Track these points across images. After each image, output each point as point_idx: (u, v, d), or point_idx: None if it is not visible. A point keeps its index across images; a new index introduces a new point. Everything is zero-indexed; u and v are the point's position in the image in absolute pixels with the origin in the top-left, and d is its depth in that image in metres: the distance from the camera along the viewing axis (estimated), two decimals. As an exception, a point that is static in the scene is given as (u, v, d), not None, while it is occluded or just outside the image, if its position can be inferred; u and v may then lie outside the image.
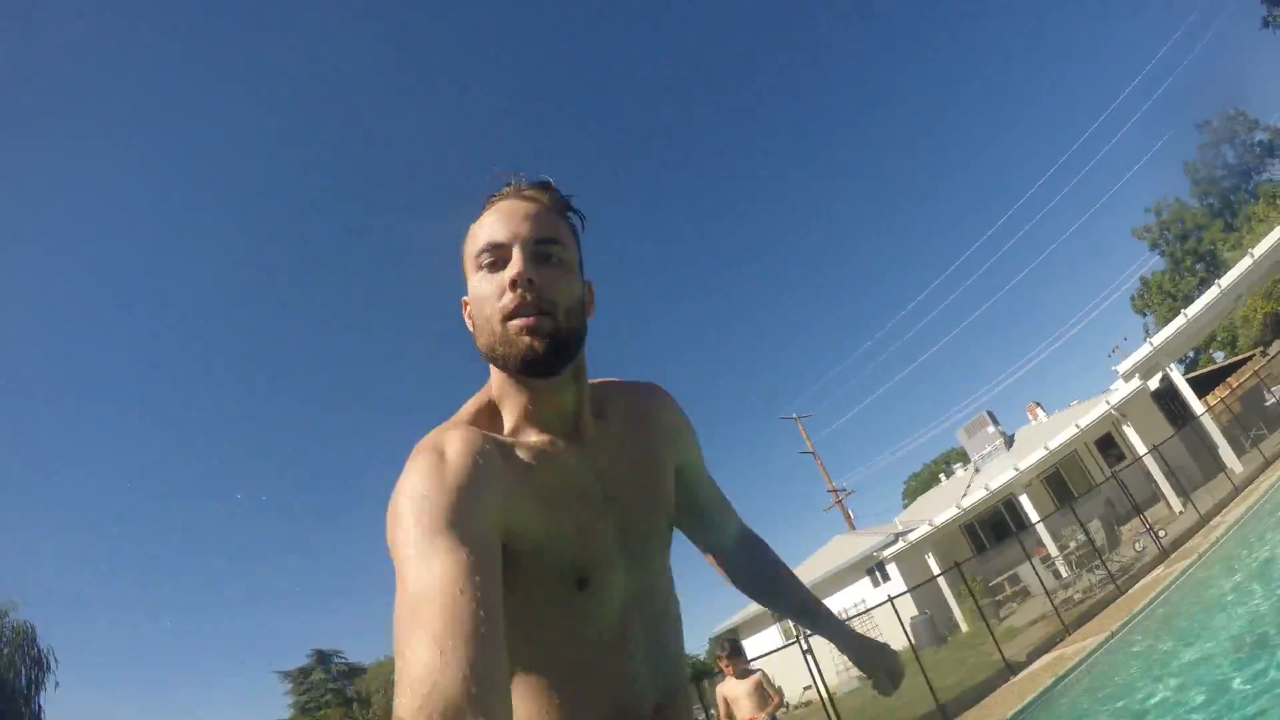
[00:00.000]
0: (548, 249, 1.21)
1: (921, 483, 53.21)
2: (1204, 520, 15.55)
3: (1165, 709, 6.81)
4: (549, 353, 1.16)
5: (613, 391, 1.43)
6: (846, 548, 29.81)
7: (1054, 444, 23.19)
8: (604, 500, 1.27)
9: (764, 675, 7.23)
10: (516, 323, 1.16)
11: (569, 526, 1.20)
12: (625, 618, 1.28)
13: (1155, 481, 20.37)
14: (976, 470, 30.92)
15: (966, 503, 25.10)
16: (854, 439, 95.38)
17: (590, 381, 1.34)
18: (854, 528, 35.97)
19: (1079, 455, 26.19)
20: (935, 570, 23.82)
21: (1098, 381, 29.79)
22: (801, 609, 1.70)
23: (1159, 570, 13.72)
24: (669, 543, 1.42)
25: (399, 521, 1.01)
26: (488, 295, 1.19)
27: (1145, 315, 50.11)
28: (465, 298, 1.26)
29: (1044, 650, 12.66)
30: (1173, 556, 14.17)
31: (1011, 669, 12.22)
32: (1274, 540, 11.44)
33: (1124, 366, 23.22)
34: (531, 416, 1.26)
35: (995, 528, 27.57)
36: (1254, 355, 33.23)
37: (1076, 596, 16.30)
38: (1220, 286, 22.45)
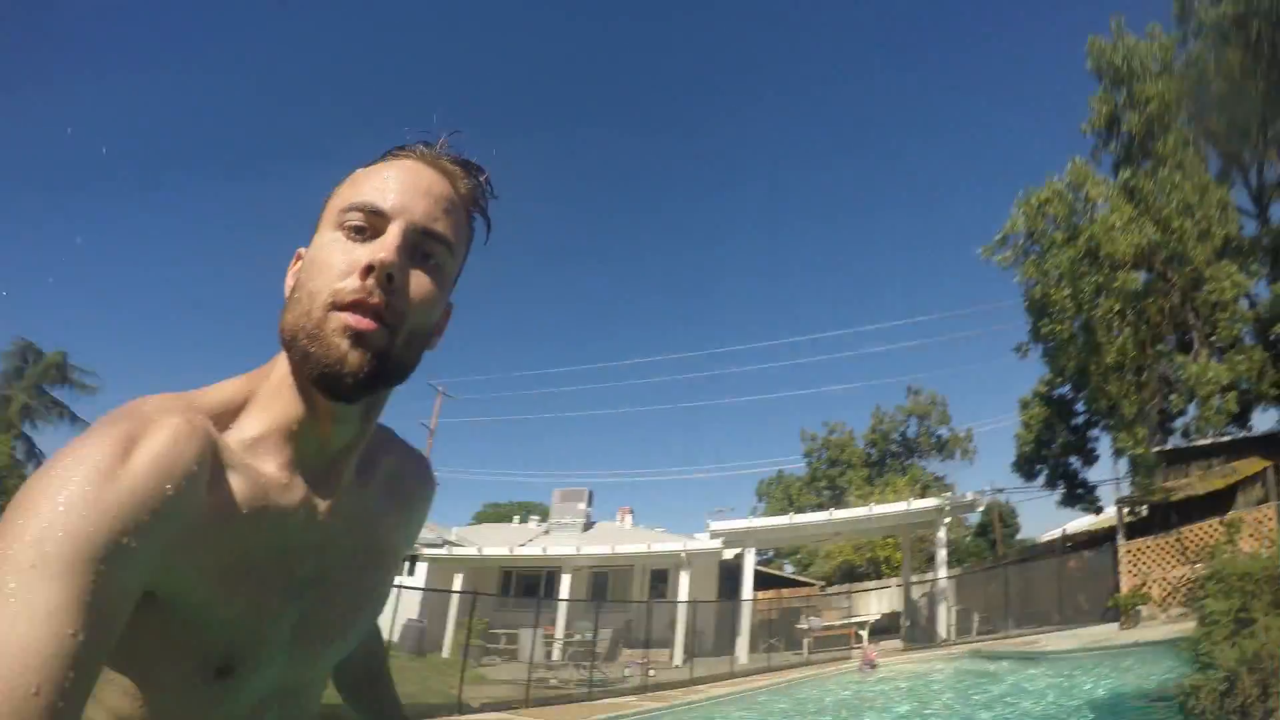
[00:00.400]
0: (431, 246, 0.96)
1: (498, 513, 54.05)
2: (692, 681, 16.97)
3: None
4: (364, 375, 0.89)
5: (387, 450, 1.15)
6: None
7: (621, 549, 24.43)
8: (307, 582, 0.98)
9: None
10: (344, 318, 0.88)
11: (239, 607, 0.90)
12: (256, 716, 0.99)
13: (675, 629, 21.77)
14: (546, 531, 31.66)
15: (521, 551, 25.82)
16: (479, 443, 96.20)
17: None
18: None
19: (634, 572, 27.65)
20: (457, 588, 23.88)
21: (689, 525, 32.49)
22: (381, 707, 1.43)
23: (631, 698, 14.66)
24: (352, 645, 1.11)
25: (16, 518, 0.70)
26: (330, 265, 0.92)
27: (761, 500, 54.36)
28: (302, 250, 0.99)
29: (498, 709, 12.95)
30: (648, 694, 15.28)
31: (460, 709, 12.39)
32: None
33: (716, 526, 25.34)
34: (287, 436, 0.96)
35: (528, 588, 28.31)
36: (814, 585, 37.50)
37: (553, 681, 16.83)
38: (830, 516, 25.27)
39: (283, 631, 0.97)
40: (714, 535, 25.29)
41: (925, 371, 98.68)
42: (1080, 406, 30.32)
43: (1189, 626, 15.21)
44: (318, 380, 0.90)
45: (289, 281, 0.99)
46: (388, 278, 0.89)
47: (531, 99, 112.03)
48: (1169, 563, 19.43)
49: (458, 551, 25.78)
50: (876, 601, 30.88)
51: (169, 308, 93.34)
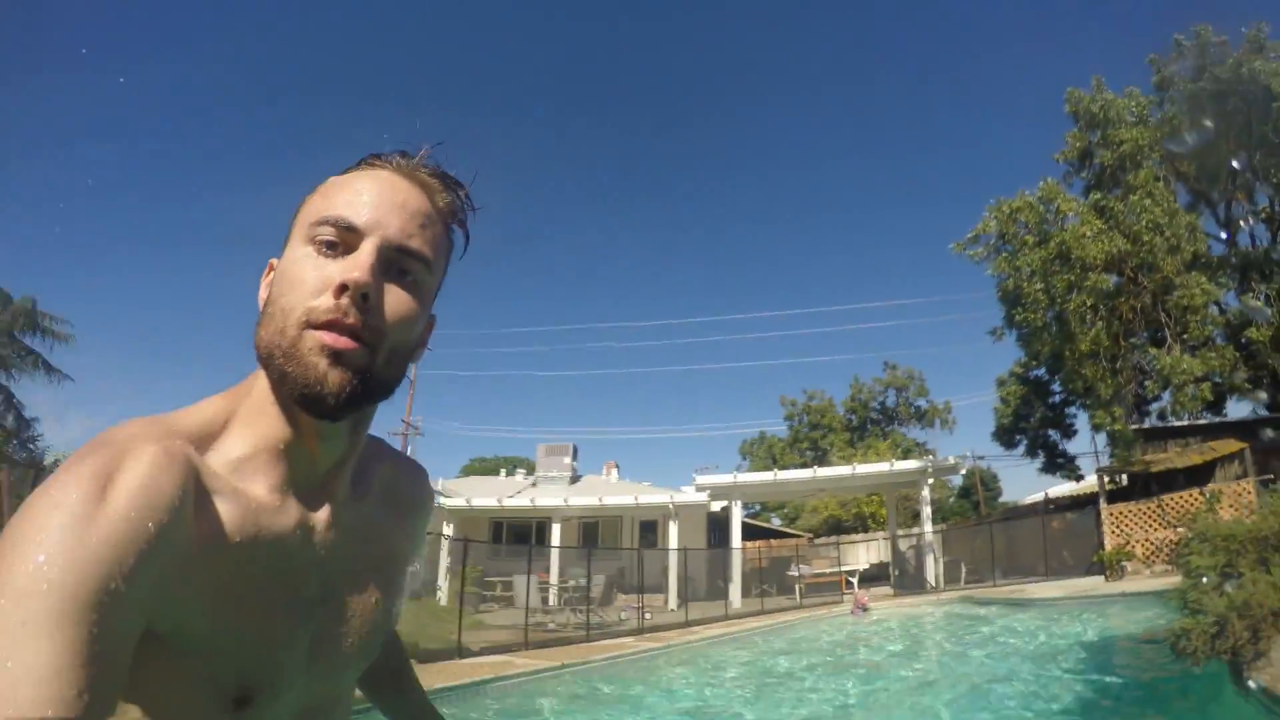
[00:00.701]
0: (408, 263, 0.92)
1: (484, 467, 54.19)
2: (687, 623, 17.26)
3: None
4: (346, 394, 0.85)
5: (380, 459, 1.12)
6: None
7: (610, 500, 24.61)
8: (313, 601, 0.95)
9: None
10: (320, 337, 0.85)
11: (248, 633, 0.87)
12: None
13: (668, 575, 22.03)
14: (534, 484, 31.77)
15: (509, 502, 25.99)
16: (463, 397, 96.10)
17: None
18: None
19: (623, 523, 27.89)
20: (448, 535, 23.98)
21: (673, 482, 32.82)
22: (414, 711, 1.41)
23: (628, 639, 14.86)
24: (372, 657, 1.08)
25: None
26: (303, 281, 0.87)
27: (745, 459, 54.82)
28: (274, 260, 0.95)
29: (498, 652, 13.03)
30: (645, 635, 15.52)
31: (460, 652, 12.44)
32: (731, 658, 13.14)
33: (703, 480, 25.60)
34: (275, 456, 0.92)
35: (519, 537, 28.49)
36: (802, 536, 38.00)
37: (551, 625, 16.95)
38: (814, 473, 25.62)
39: (298, 655, 0.94)
40: (700, 489, 25.49)
41: (901, 350, 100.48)
42: (1056, 387, 30.99)
43: (1174, 581, 15.60)
44: (299, 400, 0.87)
45: (262, 293, 0.95)
46: (362, 297, 0.86)
47: (522, 70, 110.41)
48: (1151, 525, 19.91)
49: (447, 503, 25.76)
50: (864, 552, 31.26)
51: (140, 257, 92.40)
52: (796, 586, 23.29)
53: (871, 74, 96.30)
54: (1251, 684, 6.38)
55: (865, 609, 17.85)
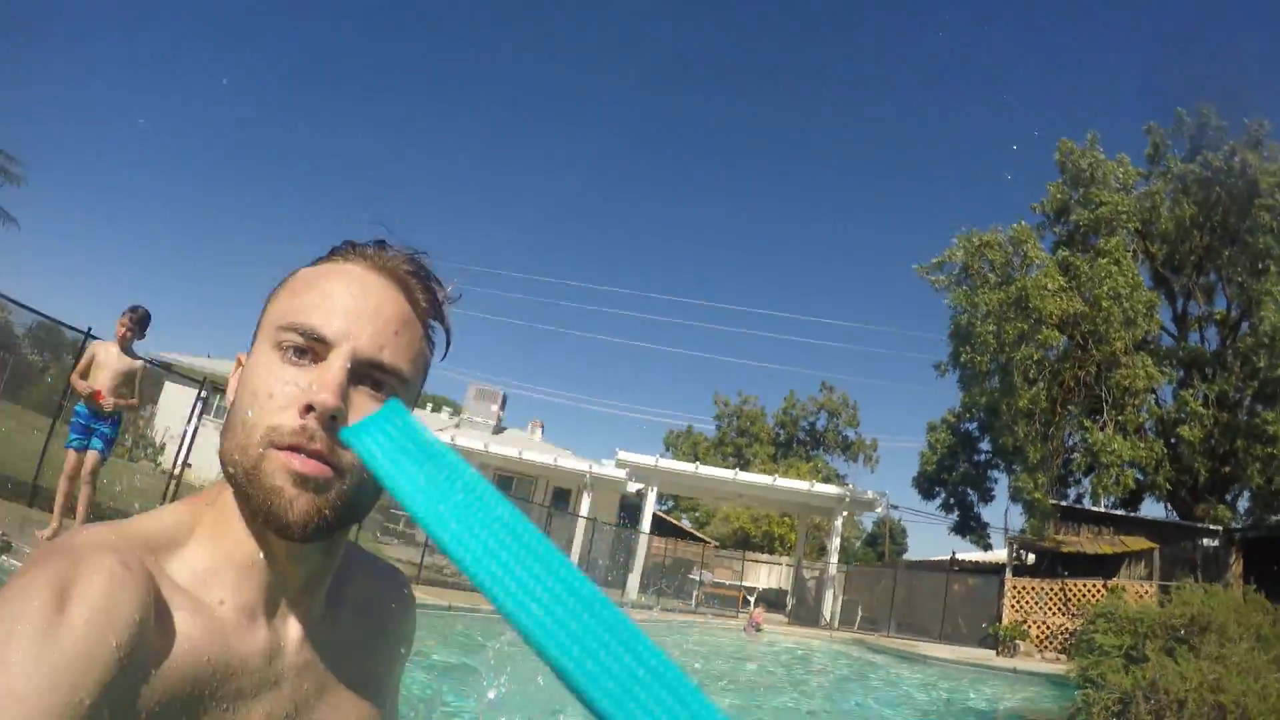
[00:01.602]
0: (383, 378, 0.85)
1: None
2: None
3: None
4: (314, 525, 0.80)
5: (354, 567, 1.03)
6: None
7: (529, 457, 24.39)
8: None
9: (145, 370, 7.10)
10: (284, 459, 0.79)
11: None
12: None
13: (571, 548, 21.82)
14: (457, 425, 31.26)
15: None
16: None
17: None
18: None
19: (538, 484, 27.67)
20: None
21: (595, 454, 32.40)
22: None
23: None
24: None
25: None
26: (267, 394, 0.81)
27: (668, 450, 54.80)
28: (242, 356, 0.90)
29: None
30: None
31: None
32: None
33: (624, 456, 25.59)
34: (241, 572, 0.86)
35: (431, 475, 28.12)
36: (710, 543, 38.27)
37: (447, 570, 16.75)
38: (735, 475, 25.64)
39: None
40: (620, 465, 25.30)
41: (842, 374, 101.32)
42: (984, 445, 31.58)
43: (1065, 668, 15.77)
44: (263, 524, 0.81)
45: (229, 393, 0.87)
46: (330, 420, 0.78)
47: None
48: (1050, 608, 20.04)
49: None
50: (767, 574, 31.35)
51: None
52: (695, 593, 23.17)
53: (871, 82, 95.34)
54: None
55: (759, 628, 17.70)
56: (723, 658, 13.75)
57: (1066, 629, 18.95)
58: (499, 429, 31.52)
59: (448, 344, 0.97)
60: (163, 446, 22.62)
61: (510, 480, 28.03)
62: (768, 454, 51.27)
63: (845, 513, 26.14)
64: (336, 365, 0.80)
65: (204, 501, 0.88)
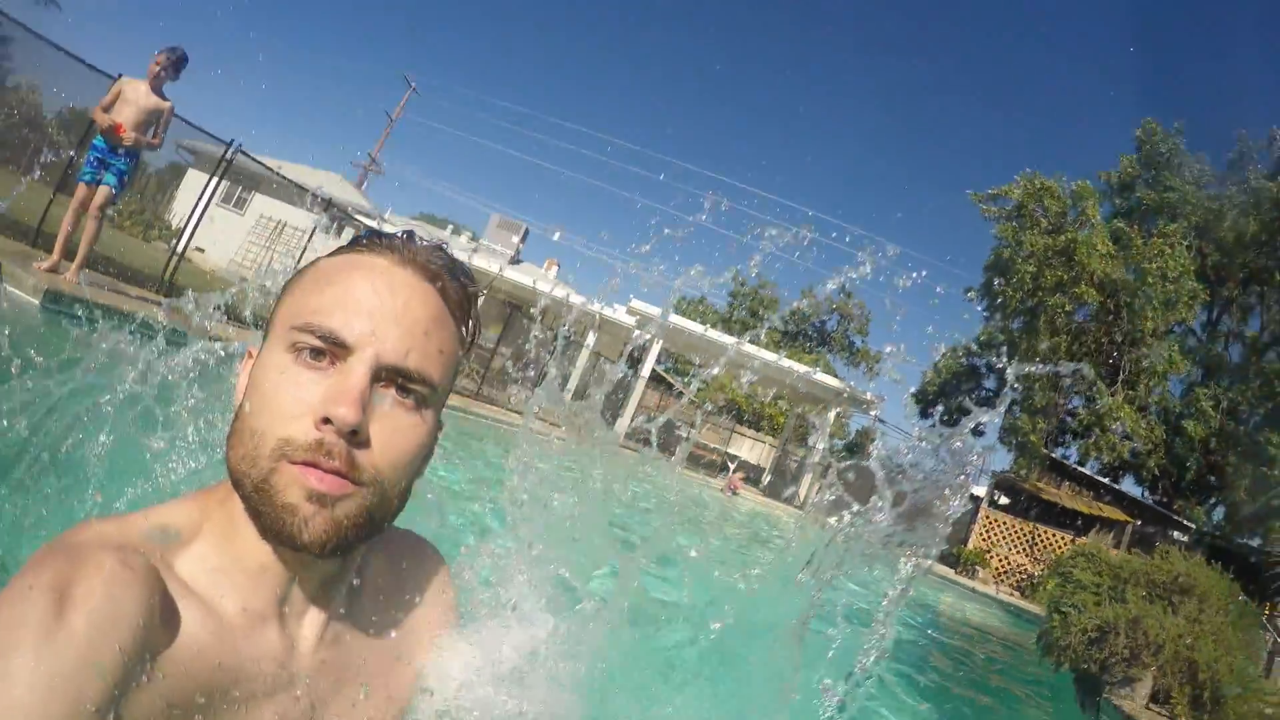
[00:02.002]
0: (410, 384, 0.79)
1: (433, 223, 53.99)
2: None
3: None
4: (331, 544, 0.75)
5: (377, 547, 0.97)
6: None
7: (541, 288, 24.50)
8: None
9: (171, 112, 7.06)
10: (302, 477, 0.73)
11: None
12: None
13: (569, 381, 21.97)
14: (475, 250, 31.15)
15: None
16: (435, 151, 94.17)
17: None
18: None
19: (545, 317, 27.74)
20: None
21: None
22: None
23: (516, 417, 14.68)
24: None
25: None
26: (278, 401, 0.74)
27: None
28: (253, 349, 0.83)
29: None
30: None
31: None
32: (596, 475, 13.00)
33: (636, 304, 25.75)
34: (251, 576, 0.80)
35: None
36: (700, 405, 38.71)
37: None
38: (739, 344, 25.72)
39: None
40: (631, 312, 25.26)
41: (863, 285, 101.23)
42: (989, 384, 31.62)
43: (1020, 603, 16.06)
44: (276, 541, 0.76)
45: (238, 392, 0.80)
46: (351, 433, 0.73)
47: None
48: (1016, 545, 20.36)
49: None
50: (750, 448, 31.58)
51: None
52: (679, 449, 23.40)
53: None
54: (1114, 705, 6.14)
55: (735, 492, 17.92)
56: (695, 505, 14.01)
57: (1027, 569, 19.47)
58: (515, 260, 31.32)
59: (473, 339, 0.89)
60: (179, 231, 22.44)
61: (519, 308, 28.13)
62: (773, 339, 51.36)
63: (838, 409, 26.23)
64: (358, 373, 0.73)
65: (215, 499, 0.82)
